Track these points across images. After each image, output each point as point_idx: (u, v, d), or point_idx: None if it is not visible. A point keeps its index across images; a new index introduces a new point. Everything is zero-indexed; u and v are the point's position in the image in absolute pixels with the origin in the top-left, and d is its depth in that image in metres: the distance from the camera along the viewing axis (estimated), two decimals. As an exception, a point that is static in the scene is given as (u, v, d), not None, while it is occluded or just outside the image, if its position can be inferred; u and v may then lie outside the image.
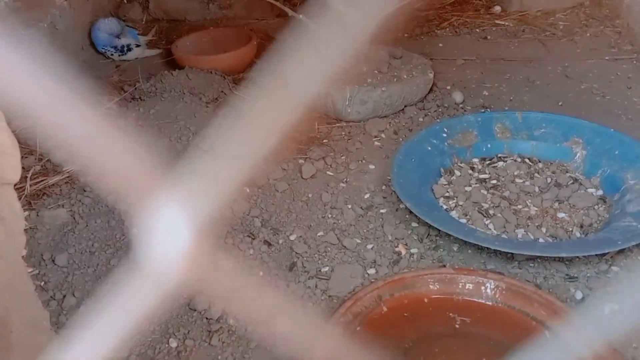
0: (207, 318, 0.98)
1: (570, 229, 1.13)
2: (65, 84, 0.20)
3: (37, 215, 1.21)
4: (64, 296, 1.03)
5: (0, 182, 0.77)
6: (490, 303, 0.90)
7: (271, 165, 1.40)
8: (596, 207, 1.18)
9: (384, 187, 1.31)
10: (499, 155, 1.35)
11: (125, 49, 1.96)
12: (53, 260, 1.10)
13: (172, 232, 0.17)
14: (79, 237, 1.15)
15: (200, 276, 0.18)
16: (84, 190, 1.28)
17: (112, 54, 1.96)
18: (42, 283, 1.05)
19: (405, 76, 1.59)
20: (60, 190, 1.29)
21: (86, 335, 0.21)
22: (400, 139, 1.49)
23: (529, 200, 1.20)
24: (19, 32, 1.72)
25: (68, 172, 1.35)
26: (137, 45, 1.99)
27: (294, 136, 1.53)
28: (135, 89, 1.66)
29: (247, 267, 1.09)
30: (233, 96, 1.51)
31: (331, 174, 1.38)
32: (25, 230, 0.80)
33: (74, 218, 1.21)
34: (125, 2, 2.29)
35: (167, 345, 0.94)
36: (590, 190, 1.22)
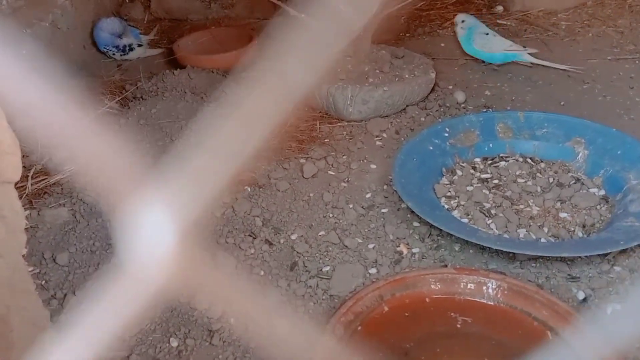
0: (207, 317, 0.97)
1: (573, 229, 1.12)
2: (61, 84, 0.20)
3: (38, 214, 1.20)
4: (65, 295, 1.03)
5: (1, 181, 0.77)
6: (492, 303, 0.90)
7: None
8: (598, 207, 1.17)
9: (385, 187, 1.30)
10: (501, 155, 1.35)
11: (127, 48, 1.96)
12: (54, 259, 1.10)
13: (155, 233, 0.17)
14: (80, 236, 1.15)
15: (185, 280, 0.18)
16: (85, 189, 1.28)
17: (113, 54, 1.96)
18: (43, 282, 1.05)
19: (407, 76, 1.58)
20: (62, 189, 1.29)
21: (72, 337, 0.21)
22: (402, 139, 1.49)
23: (531, 200, 1.19)
24: (20, 31, 1.72)
25: (69, 171, 1.34)
26: (139, 45, 1.99)
27: (294, 135, 1.53)
28: (137, 88, 1.66)
29: (248, 267, 1.09)
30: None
31: (332, 173, 1.37)
32: (26, 229, 0.80)
33: (75, 217, 1.21)
34: (127, 1, 2.29)
35: (167, 345, 0.93)
36: (592, 190, 1.22)
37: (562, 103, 1.64)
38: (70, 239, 1.14)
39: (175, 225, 0.17)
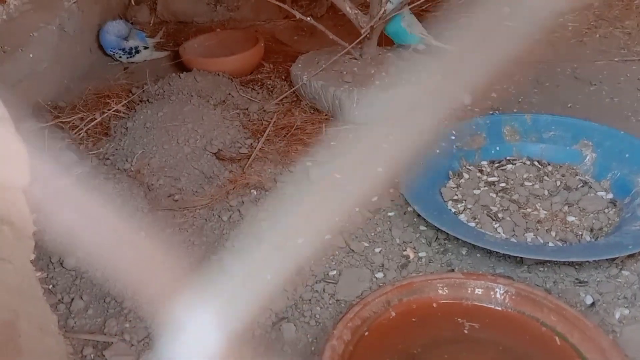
0: None
1: (580, 233, 1.12)
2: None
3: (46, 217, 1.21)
4: (72, 299, 1.03)
5: (8, 186, 0.77)
6: (499, 308, 0.90)
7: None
8: (606, 210, 1.17)
9: (391, 190, 1.30)
10: (508, 158, 1.34)
11: (134, 51, 1.96)
12: (61, 263, 1.10)
13: (201, 338, 0.16)
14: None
15: None
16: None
17: (120, 56, 1.97)
18: (50, 286, 1.05)
19: (413, 79, 1.58)
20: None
21: None
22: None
23: (539, 204, 1.19)
24: (27, 34, 1.73)
25: (76, 174, 1.35)
26: (145, 48, 2.00)
27: (300, 138, 1.53)
28: (143, 91, 1.67)
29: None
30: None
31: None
32: (33, 233, 0.81)
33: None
34: (133, 4, 2.30)
35: None
36: (600, 193, 1.21)
37: (569, 105, 1.64)
38: (77, 242, 1.15)
39: (222, 334, 0.16)
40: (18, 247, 0.77)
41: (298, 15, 1.60)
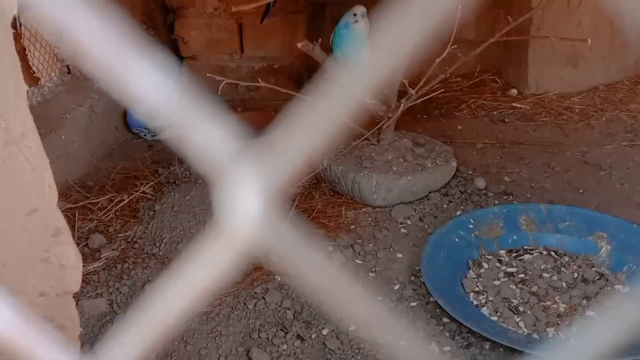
0: None
1: (601, 328, 1.14)
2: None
3: (77, 304, 1.24)
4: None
5: (63, 292, 0.82)
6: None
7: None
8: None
9: (412, 278, 1.33)
10: (525, 247, 1.38)
11: (158, 130, 2.04)
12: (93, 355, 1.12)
13: (246, 201, 0.23)
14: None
15: (266, 238, 0.23)
16: (122, 278, 1.32)
17: (145, 135, 2.05)
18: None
19: (429, 165, 1.64)
20: (98, 277, 1.33)
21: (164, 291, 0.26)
22: (426, 226, 1.53)
23: (557, 297, 1.22)
24: (60, 117, 1.81)
25: (106, 258, 1.39)
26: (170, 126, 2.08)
27: (321, 222, 1.57)
28: (170, 172, 1.73)
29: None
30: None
31: (360, 262, 1.41)
32: (79, 335, 0.84)
33: (112, 308, 1.24)
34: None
35: None
36: (617, 287, 1.24)
37: (580, 191, 1.68)
38: (108, 332, 1.17)
39: (262, 196, 0.23)
40: (68, 351, 0.80)
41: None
